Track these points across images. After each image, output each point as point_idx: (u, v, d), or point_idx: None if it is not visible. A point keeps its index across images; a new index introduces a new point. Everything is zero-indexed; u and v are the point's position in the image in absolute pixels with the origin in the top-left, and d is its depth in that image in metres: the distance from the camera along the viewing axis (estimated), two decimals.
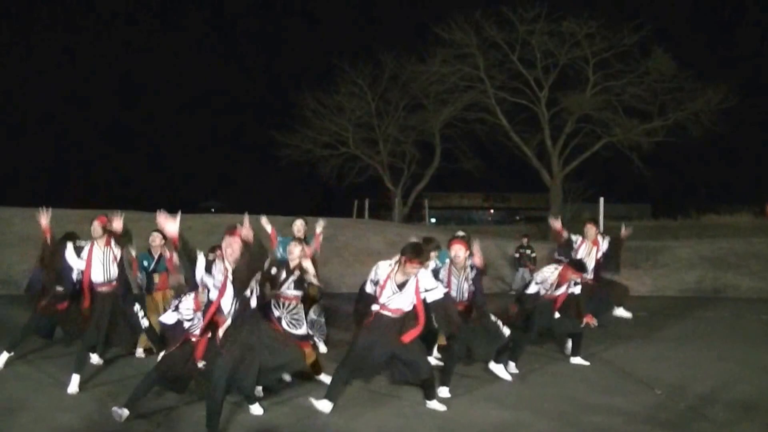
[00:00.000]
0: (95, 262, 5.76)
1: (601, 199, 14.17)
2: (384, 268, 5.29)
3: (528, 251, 13.84)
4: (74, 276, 5.98)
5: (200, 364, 4.65)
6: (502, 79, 23.14)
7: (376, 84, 25.19)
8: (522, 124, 23.71)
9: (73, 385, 5.44)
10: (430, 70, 22.73)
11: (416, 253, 5.08)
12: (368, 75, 25.02)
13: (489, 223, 42.19)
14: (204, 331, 4.72)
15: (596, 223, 7.33)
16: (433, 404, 5.27)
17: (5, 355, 6.16)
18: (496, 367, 6.28)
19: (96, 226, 5.82)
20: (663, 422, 4.96)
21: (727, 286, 13.39)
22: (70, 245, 5.91)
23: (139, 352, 6.71)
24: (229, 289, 4.60)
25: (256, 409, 5.03)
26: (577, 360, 6.82)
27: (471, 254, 6.09)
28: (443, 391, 5.60)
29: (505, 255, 14.72)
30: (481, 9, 22.08)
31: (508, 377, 6.23)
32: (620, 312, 7.85)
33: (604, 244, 7.46)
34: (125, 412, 4.67)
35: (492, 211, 49.33)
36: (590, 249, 7.53)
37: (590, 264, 7.28)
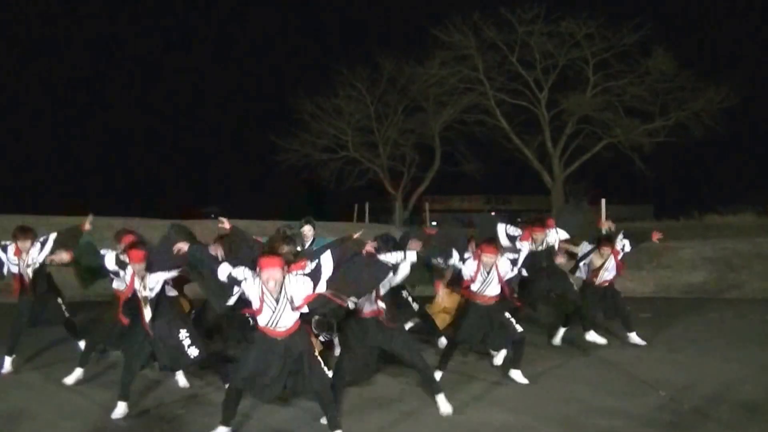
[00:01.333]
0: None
1: (603, 201, 14.09)
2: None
3: None
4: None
5: None
6: (501, 80, 23.15)
7: (375, 87, 25.19)
8: (522, 126, 23.74)
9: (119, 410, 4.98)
10: (429, 73, 22.74)
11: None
12: (366, 78, 25.03)
13: None
14: None
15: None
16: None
17: (8, 360, 6.19)
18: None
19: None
20: (667, 424, 4.94)
21: (731, 287, 13.32)
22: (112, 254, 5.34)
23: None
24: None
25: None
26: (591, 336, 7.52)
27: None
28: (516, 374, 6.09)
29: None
30: (480, 10, 22.13)
31: None
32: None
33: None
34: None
35: (493, 213, 49.30)
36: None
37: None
